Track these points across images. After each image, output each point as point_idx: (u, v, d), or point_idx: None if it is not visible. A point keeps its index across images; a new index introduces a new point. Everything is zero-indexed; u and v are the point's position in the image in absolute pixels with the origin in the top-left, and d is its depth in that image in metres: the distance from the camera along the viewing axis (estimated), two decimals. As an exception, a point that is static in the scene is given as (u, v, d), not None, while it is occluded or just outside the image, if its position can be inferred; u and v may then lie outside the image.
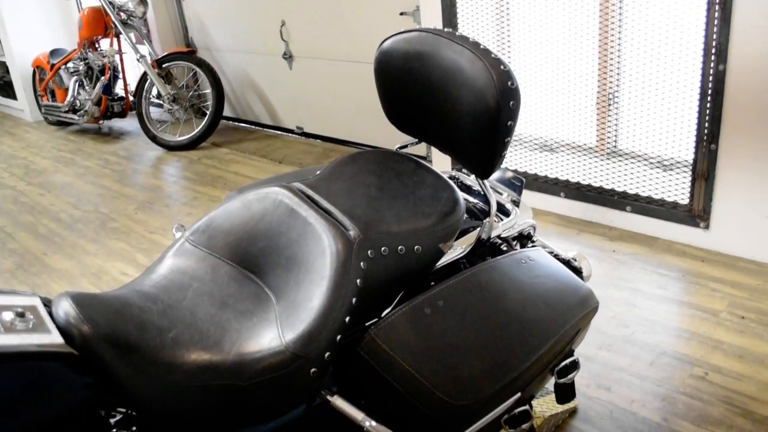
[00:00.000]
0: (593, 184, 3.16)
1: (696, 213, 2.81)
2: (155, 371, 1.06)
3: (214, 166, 4.62)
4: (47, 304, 1.12)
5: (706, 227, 2.80)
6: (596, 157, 3.18)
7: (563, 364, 1.43)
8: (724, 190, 2.70)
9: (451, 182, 1.44)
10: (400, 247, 1.27)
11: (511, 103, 1.31)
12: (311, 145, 4.87)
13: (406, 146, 1.70)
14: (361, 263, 1.21)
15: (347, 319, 1.18)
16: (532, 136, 3.40)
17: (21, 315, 1.03)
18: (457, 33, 1.43)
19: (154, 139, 5.10)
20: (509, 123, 1.33)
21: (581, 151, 3.23)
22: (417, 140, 1.63)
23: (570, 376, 1.45)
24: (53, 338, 1.03)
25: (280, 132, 5.27)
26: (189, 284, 1.25)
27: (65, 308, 1.07)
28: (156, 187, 4.33)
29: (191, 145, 5.03)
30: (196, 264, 1.30)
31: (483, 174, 1.41)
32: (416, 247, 1.29)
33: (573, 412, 2.02)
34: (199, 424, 1.12)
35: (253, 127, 5.51)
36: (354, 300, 1.19)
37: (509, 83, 1.31)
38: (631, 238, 2.99)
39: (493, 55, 1.34)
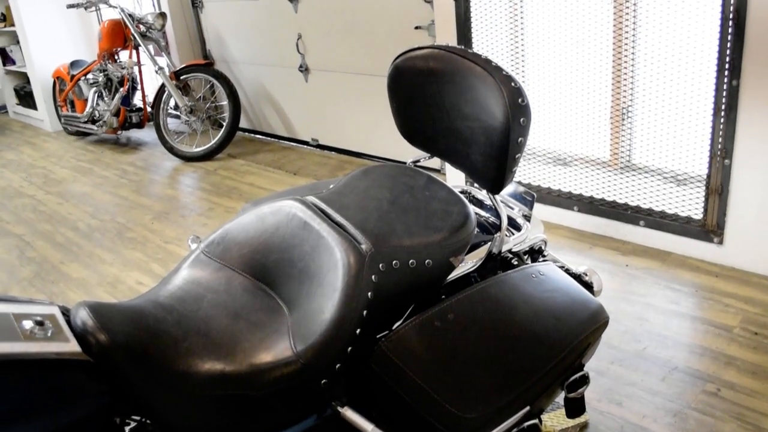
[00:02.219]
0: (606, 198, 3.16)
1: (709, 228, 2.81)
2: (169, 380, 1.09)
3: (230, 177, 4.66)
4: (66, 313, 1.14)
5: (720, 242, 2.80)
6: (610, 171, 3.19)
7: (573, 378, 1.43)
8: (737, 206, 2.70)
9: (462, 197, 1.46)
10: (411, 261, 1.29)
11: (522, 119, 1.33)
12: (326, 157, 4.91)
13: (419, 161, 1.72)
14: (373, 276, 1.23)
15: (358, 331, 1.20)
16: (546, 150, 3.41)
17: (40, 323, 1.06)
18: (469, 50, 1.45)
19: (171, 149, 5.16)
20: (520, 139, 1.34)
21: (595, 165, 3.24)
22: (429, 155, 1.65)
23: (579, 390, 1.45)
24: (71, 346, 1.06)
25: (295, 144, 5.32)
26: (203, 295, 1.28)
27: (83, 317, 1.09)
28: (172, 197, 4.38)
29: (208, 156, 5.08)
30: (211, 275, 1.33)
31: (494, 189, 1.43)
32: (427, 261, 1.31)
33: (584, 426, 2.02)
34: (212, 432, 1.14)
35: (269, 138, 5.56)
36: (365, 312, 1.21)
37: (520, 100, 1.33)
38: (644, 253, 2.98)
39: (504, 72, 1.36)
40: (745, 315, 2.48)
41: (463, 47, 1.48)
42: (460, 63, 1.42)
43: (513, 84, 1.34)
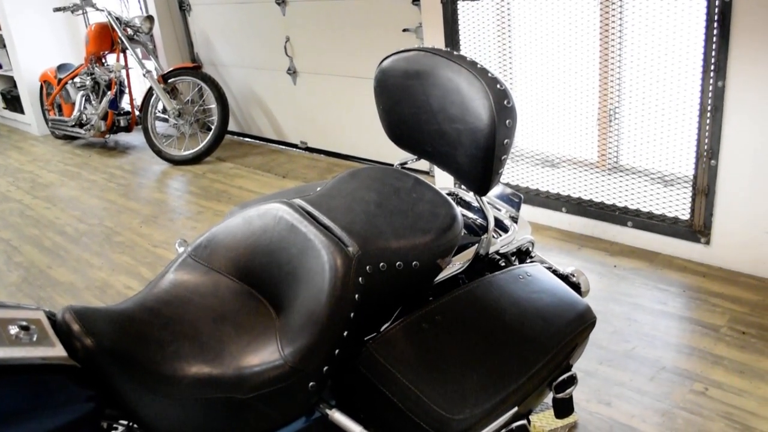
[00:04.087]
0: (594, 199, 3.17)
1: (696, 228, 2.82)
2: (156, 384, 1.08)
3: (219, 180, 4.65)
4: (51, 317, 1.14)
5: (707, 242, 2.81)
6: (597, 172, 3.20)
7: (561, 379, 1.43)
8: (724, 206, 2.72)
9: (449, 199, 1.46)
10: (398, 263, 1.29)
11: (508, 121, 1.34)
12: (315, 160, 4.91)
13: (406, 163, 1.72)
14: (360, 278, 1.23)
15: (345, 333, 1.20)
16: (534, 152, 3.42)
17: (25, 328, 1.05)
18: (455, 52, 1.45)
19: (159, 153, 5.14)
20: (506, 141, 1.35)
21: (582, 167, 3.25)
22: (417, 157, 1.65)
23: (568, 391, 1.46)
24: (57, 351, 1.05)
25: (284, 147, 5.31)
26: (190, 299, 1.28)
27: (69, 321, 1.09)
28: (161, 201, 4.37)
29: (196, 159, 5.07)
30: (198, 279, 1.32)
31: (480, 191, 1.43)
32: (414, 263, 1.31)
33: (573, 427, 2.02)
34: (199, 436, 1.13)
35: (258, 141, 5.55)
36: (352, 315, 1.21)
37: (505, 102, 1.33)
38: (631, 253, 3.00)
39: (490, 75, 1.37)
40: (732, 314, 2.49)
41: (448, 49, 1.49)
42: (445, 65, 1.43)
43: (499, 86, 1.35)
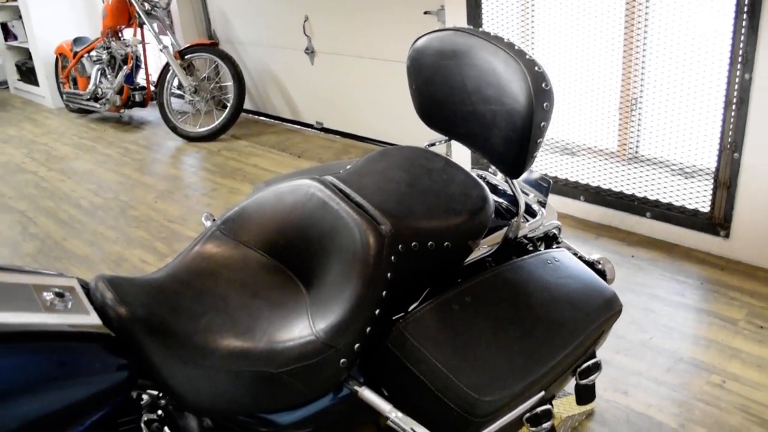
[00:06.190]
0: (613, 188, 3.15)
1: (717, 221, 2.81)
2: (188, 355, 1.08)
3: (234, 158, 4.65)
4: (84, 285, 1.14)
5: (727, 236, 2.80)
6: (617, 162, 3.18)
7: (586, 365, 1.43)
8: (745, 199, 2.70)
9: (480, 181, 1.45)
10: (430, 243, 1.28)
11: (545, 104, 1.32)
12: (330, 141, 4.89)
13: (434, 144, 1.71)
14: (392, 257, 1.22)
15: (377, 311, 1.19)
16: (554, 139, 3.40)
17: (60, 295, 1.06)
18: (492, 33, 1.44)
19: (174, 129, 5.14)
20: (542, 124, 1.33)
21: (602, 156, 3.23)
22: (447, 138, 1.64)
23: (591, 377, 1.45)
24: (91, 319, 1.05)
25: (299, 126, 5.29)
26: (221, 272, 1.27)
27: (102, 290, 1.09)
28: (175, 177, 4.37)
29: (211, 136, 5.06)
30: (228, 253, 1.32)
31: (513, 174, 1.42)
32: (446, 244, 1.30)
33: (590, 414, 2.02)
34: (228, 408, 1.13)
35: (273, 120, 5.53)
36: (384, 293, 1.20)
37: (543, 84, 1.32)
38: (650, 244, 2.98)
39: (527, 56, 1.35)
40: (750, 308, 2.48)
41: (485, 30, 1.47)
42: (482, 46, 1.41)
43: (537, 68, 1.33)
